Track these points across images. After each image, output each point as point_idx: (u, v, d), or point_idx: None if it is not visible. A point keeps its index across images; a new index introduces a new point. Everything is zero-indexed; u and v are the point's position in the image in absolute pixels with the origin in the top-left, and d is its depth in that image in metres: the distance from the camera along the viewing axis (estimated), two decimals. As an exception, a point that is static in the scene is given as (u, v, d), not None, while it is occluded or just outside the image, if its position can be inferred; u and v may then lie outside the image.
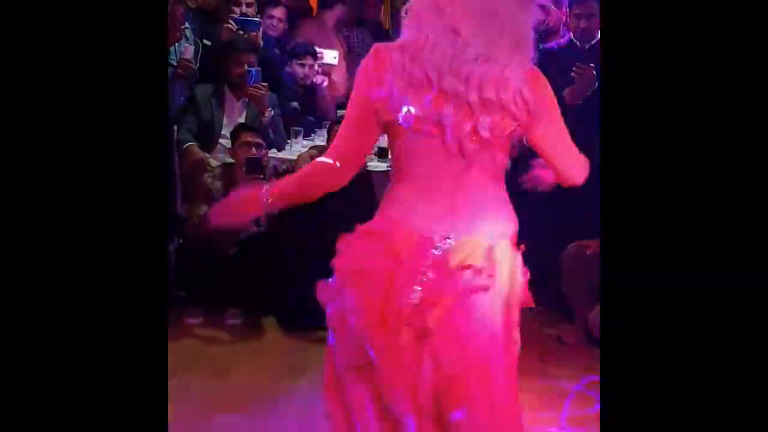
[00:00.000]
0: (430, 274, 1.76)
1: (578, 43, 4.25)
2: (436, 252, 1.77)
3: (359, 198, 4.24)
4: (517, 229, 1.87)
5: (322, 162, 1.87)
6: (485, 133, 1.73)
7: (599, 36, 4.28)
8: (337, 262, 1.84)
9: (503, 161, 1.84)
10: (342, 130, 1.87)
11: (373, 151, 4.47)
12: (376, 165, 4.41)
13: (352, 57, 5.54)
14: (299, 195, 1.93)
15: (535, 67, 1.78)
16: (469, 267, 1.76)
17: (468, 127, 1.73)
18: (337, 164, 1.83)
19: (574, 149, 1.90)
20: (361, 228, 1.85)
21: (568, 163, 1.91)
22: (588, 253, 3.88)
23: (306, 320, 3.94)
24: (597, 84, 3.90)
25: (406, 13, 1.80)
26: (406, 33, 1.78)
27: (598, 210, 1.53)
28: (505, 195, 1.87)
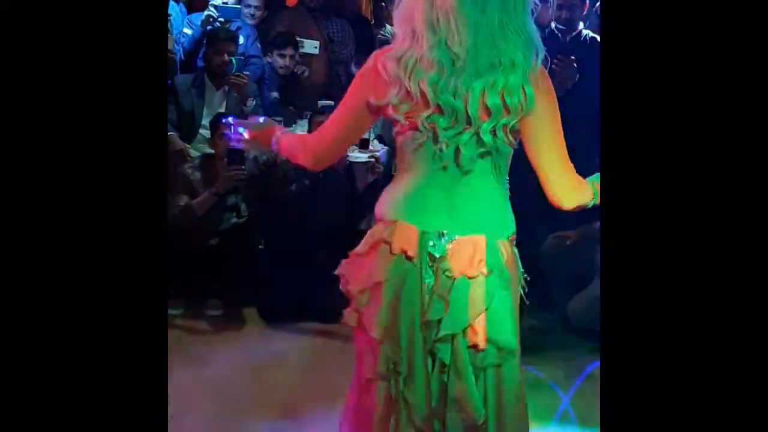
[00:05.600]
0: (434, 282, 1.79)
1: (560, 34, 4.20)
2: (432, 250, 1.79)
3: (340, 188, 4.24)
4: (515, 228, 1.86)
5: (309, 145, 1.97)
6: (486, 137, 1.71)
7: (598, 32, 4.28)
8: (346, 285, 1.86)
9: (504, 159, 1.80)
10: (332, 121, 1.90)
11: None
12: (357, 156, 4.39)
13: (332, 47, 5.52)
14: (291, 157, 2.01)
15: (541, 67, 1.72)
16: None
17: (467, 136, 1.72)
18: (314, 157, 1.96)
19: (568, 165, 1.79)
20: (363, 243, 1.86)
21: (556, 177, 1.78)
22: (567, 243, 3.90)
23: (287, 312, 3.96)
24: (578, 76, 3.89)
25: (394, 17, 1.76)
26: (401, 40, 1.73)
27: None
28: (504, 192, 1.84)
